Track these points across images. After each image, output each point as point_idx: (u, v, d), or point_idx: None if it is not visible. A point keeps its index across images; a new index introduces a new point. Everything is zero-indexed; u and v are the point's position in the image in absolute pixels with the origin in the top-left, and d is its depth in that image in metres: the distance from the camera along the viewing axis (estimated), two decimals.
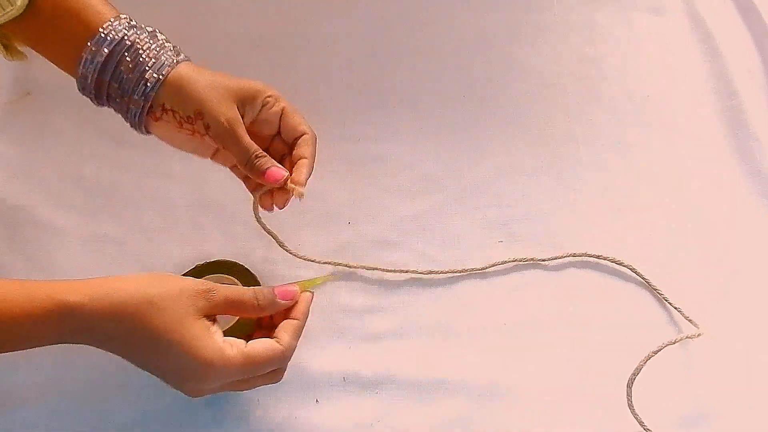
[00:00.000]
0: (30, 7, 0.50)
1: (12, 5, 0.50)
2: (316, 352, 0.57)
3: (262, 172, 0.51)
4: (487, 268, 0.61)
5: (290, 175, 0.52)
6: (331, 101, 0.69)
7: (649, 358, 0.54)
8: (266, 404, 0.55)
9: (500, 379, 0.56)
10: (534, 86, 0.70)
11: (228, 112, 0.50)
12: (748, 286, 0.60)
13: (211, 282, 0.48)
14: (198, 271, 0.58)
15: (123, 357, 0.47)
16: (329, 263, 0.60)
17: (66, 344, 0.56)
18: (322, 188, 0.57)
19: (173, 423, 0.54)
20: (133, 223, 0.62)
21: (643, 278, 0.60)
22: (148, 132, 0.53)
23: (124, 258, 0.61)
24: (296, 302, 0.51)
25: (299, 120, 0.54)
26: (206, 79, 0.50)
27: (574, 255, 0.61)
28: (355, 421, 0.55)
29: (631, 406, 0.54)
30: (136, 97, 0.50)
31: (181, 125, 0.51)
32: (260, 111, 0.53)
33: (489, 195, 0.65)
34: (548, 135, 0.68)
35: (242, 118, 0.51)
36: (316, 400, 0.55)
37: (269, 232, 0.57)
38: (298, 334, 0.50)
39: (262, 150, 0.52)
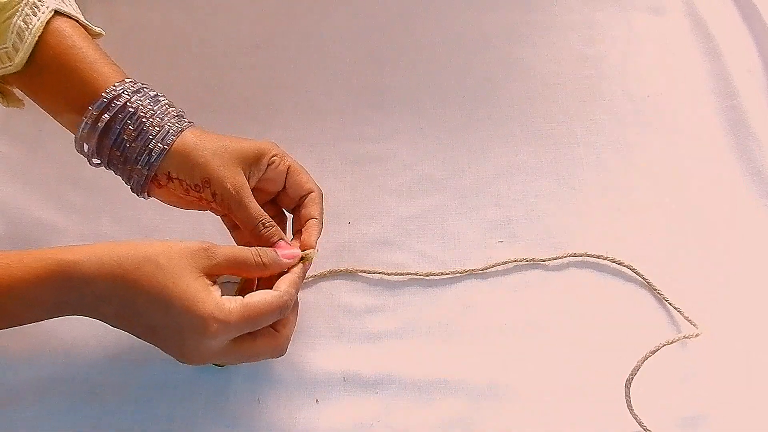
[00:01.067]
0: (30, 64, 0.50)
1: (10, 61, 0.50)
2: (316, 352, 0.57)
3: (271, 244, 0.51)
4: (487, 268, 0.61)
5: (299, 242, 0.53)
6: (331, 101, 0.69)
7: (646, 358, 0.54)
8: (266, 404, 0.55)
9: (500, 379, 0.56)
10: (534, 86, 0.70)
11: (235, 178, 0.50)
12: (748, 286, 0.60)
13: (211, 243, 0.48)
14: None
15: (120, 323, 0.46)
16: (329, 272, 0.60)
17: (65, 348, 0.56)
18: (322, 188, 0.57)
19: (173, 423, 0.54)
20: (133, 223, 0.62)
21: (643, 278, 0.60)
22: (148, 196, 0.53)
23: None
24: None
25: (305, 178, 0.54)
26: (212, 145, 0.50)
27: (574, 255, 0.61)
28: (355, 421, 0.55)
29: (629, 406, 0.54)
30: (139, 166, 0.50)
31: (188, 192, 0.51)
32: (266, 170, 0.53)
33: (489, 195, 0.65)
34: (548, 135, 0.68)
35: (249, 179, 0.52)
36: (316, 400, 0.55)
37: None
38: (297, 284, 0.50)
39: (267, 209, 0.53)
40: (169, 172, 0.50)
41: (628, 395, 0.54)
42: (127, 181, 0.52)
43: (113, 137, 0.50)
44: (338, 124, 0.68)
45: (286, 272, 0.51)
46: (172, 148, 0.50)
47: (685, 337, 0.57)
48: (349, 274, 0.61)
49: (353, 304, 0.60)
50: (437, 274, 0.60)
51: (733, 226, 0.63)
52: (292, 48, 0.72)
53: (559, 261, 0.61)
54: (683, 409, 0.55)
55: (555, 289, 0.61)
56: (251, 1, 0.74)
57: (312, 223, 0.54)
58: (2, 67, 0.50)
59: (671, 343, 0.55)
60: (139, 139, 0.50)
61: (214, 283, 0.47)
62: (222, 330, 0.45)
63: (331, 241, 0.62)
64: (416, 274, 0.60)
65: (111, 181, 0.64)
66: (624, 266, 0.61)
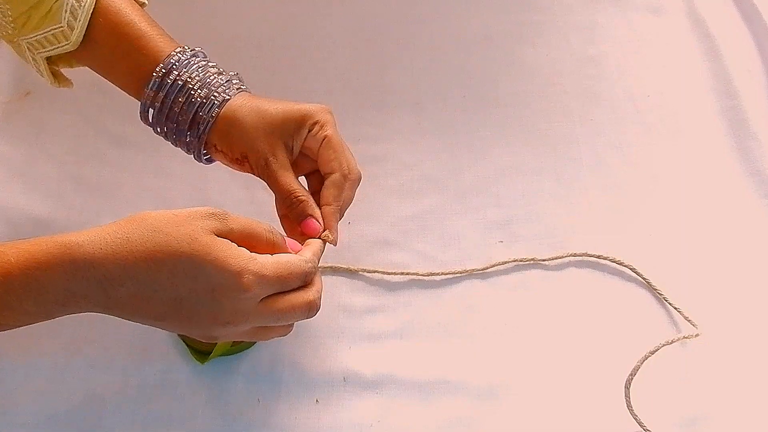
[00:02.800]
0: (85, 41, 0.50)
1: (67, 40, 0.50)
2: (316, 352, 0.57)
3: (298, 220, 0.50)
4: (487, 268, 0.61)
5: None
6: (331, 101, 0.68)
7: (645, 358, 0.54)
8: (266, 404, 0.55)
9: (500, 379, 0.56)
10: (534, 86, 0.70)
11: (269, 151, 0.49)
12: (748, 287, 0.60)
13: (222, 209, 0.44)
14: None
15: (134, 308, 0.42)
16: (330, 267, 0.60)
17: (65, 348, 0.56)
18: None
19: (173, 423, 0.54)
20: None
21: (643, 278, 0.60)
22: (210, 161, 0.54)
23: None
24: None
25: (333, 155, 0.51)
26: (252, 117, 0.50)
27: (575, 255, 0.61)
28: (355, 421, 0.54)
29: (629, 406, 0.54)
30: (191, 138, 0.51)
31: (233, 164, 0.52)
32: (305, 139, 0.51)
33: (489, 195, 0.65)
34: (548, 135, 0.68)
35: (292, 148, 0.51)
36: (316, 400, 0.55)
37: None
38: (317, 254, 0.48)
39: (312, 172, 0.52)
40: (215, 144, 0.51)
41: (627, 395, 0.54)
42: (187, 151, 0.53)
43: (166, 111, 0.50)
44: (338, 124, 0.68)
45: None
46: (216, 121, 0.50)
47: (684, 337, 0.57)
48: (349, 273, 0.61)
49: (353, 304, 0.60)
50: (438, 274, 0.60)
51: (733, 226, 0.63)
52: (292, 48, 0.72)
53: (559, 261, 0.61)
54: (683, 409, 0.55)
55: (555, 289, 0.61)
56: (252, 1, 0.74)
57: (327, 211, 0.51)
58: (59, 47, 0.50)
59: (671, 343, 0.55)
60: (189, 111, 0.50)
61: (228, 237, 0.44)
62: (257, 282, 0.42)
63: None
64: (416, 273, 0.60)
65: (111, 181, 0.64)
66: (624, 266, 0.61)
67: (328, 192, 0.51)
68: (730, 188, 0.65)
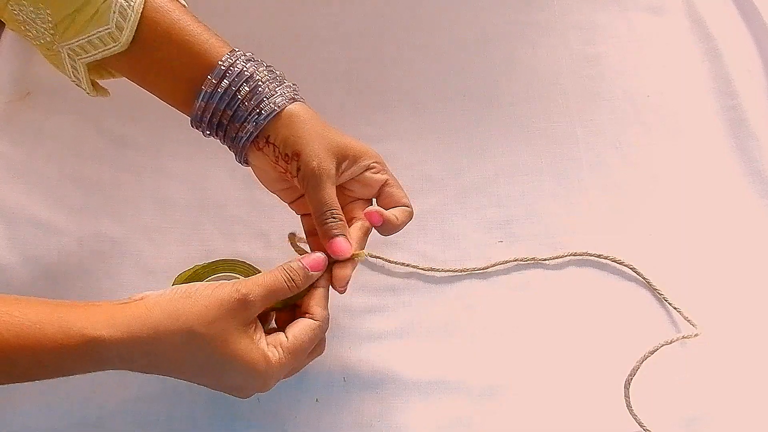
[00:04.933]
0: (135, 42, 0.49)
1: (115, 41, 0.48)
2: None
3: (329, 236, 0.49)
4: (488, 267, 0.61)
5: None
6: (331, 101, 0.69)
7: (645, 358, 0.54)
8: (266, 404, 0.55)
9: (500, 379, 0.56)
10: (534, 86, 0.70)
11: (324, 161, 0.49)
12: (748, 287, 0.60)
13: (243, 285, 0.46)
14: (197, 274, 0.57)
15: (173, 377, 0.47)
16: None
17: None
18: None
19: (173, 423, 0.54)
20: (133, 223, 0.62)
21: (643, 277, 0.60)
22: (246, 163, 0.52)
23: (124, 258, 0.61)
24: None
25: (402, 193, 0.53)
26: (316, 126, 0.50)
27: (575, 254, 0.61)
28: (355, 421, 0.55)
29: (629, 406, 0.54)
30: (247, 124, 0.49)
31: (277, 161, 0.50)
32: (362, 174, 0.52)
33: (489, 195, 0.65)
34: (548, 135, 0.68)
35: (340, 173, 0.50)
36: (316, 400, 0.55)
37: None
38: (326, 301, 0.50)
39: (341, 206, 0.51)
40: (268, 136, 0.49)
41: (627, 395, 0.54)
42: (231, 142, 0.51)
43: (227, 99, 0.49)
44: (338, 125, 0.67)
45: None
46: (281, 113, 0.49)
47: (684, 337, 0.57)
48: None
49: (353, 304, 0.60)
50: (438, 270, 0.60)
51: (733, 226, 0.63)
52: (292, 48, 0.72)
53: (560, 260, 0.61)
54: (683, 409, 0.55)
55: (555, 288, 0.61)
56: (252, 1, 0.74)
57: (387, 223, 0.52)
58: (106, 49, 0.49)
59: (670, 343, 0.55)
60: (253, 99, 0.49)
61: (254, 323, 0.47)
62: (278, 374, 0.47)
63: None
64: (417, 267, 0.60)
65: (111, 181, 0.64)
66: (624, 265, 0.61)
67: (398, 212, 0.52)
68: (730, 188, 0.65)
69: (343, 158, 0.50)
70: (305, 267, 0.48)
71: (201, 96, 0.49)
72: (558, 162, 0.66)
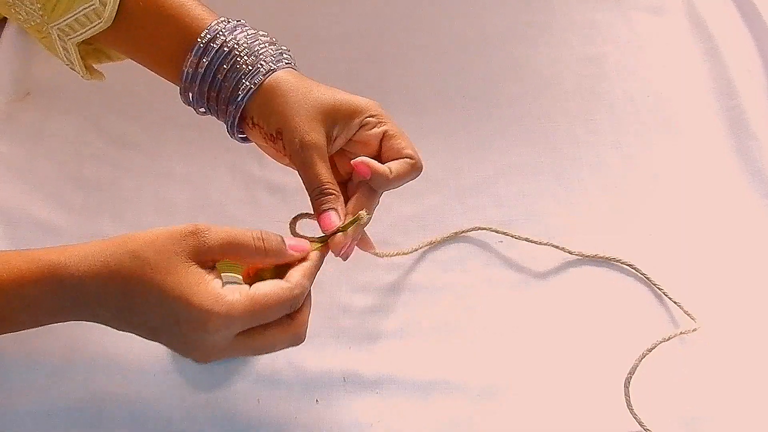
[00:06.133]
0: (119, 18, 0.48)
1: (99, 18, 0.48)
2: (316, 352, 0.57)
3: (319, 212, 0.46)
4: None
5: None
6: None
7: (643, 356, 0.54)
8: (266, 404, 0.55)
9: (500, 378, 0.56)
10: (534, 86, 0.70)
11: (307, 134, 0.45)
12: (748, 287, 0.60)
13: (203, 223, 0.43)
14: None
15: (121, 325, 0.43)
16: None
17: (65, 348, 0.56)
18: None
19: (173, 423, 0.54)
20: (133, 223, 0.62)
21: (645, 276, 0.60)
22: (246, 140, 0.50)
23: None
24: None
25: (404, 143, 0.48)
26: (297, 93, 0.46)
27: (576, 254, 0.61)
28: (355, 421, 0.55)
29: (629, 405, 0.54)
30: (230, 107, 0.48)
31: (266, 141, 0.48)
32: (357, 132, 0.48)
33: (489, 195, 0.65)
34: (548, 135, 0.68)
35: (334, 138, 0.47)
36: (316, 400, 0.55)
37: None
38: (310, 274, 0.45)
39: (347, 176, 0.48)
40: (252, 117, 0.47)
41: (627, 394, 0.54)
42: (225, 123, 0.49)
43: (209, 79, 0.47)
44: None
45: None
46: (259, 90, 0.46)
47: (682, 333, 0.57)
48: (349, 273, 0.60)
49: (353, 304, 0.60)
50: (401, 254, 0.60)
51: (733, 226, 0.63)
52: (293, 48, 0.71)
53: (560, 260, 0.61)
54: (683, 407, 0.55)
55: (555, 288, 0.61)
56: (252, 1, 0.74)
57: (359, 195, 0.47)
58: (92, 27, 0.48)
59: (668, 339, 0.55)
60: (232, 77, 0.47)
61: (213, 269, 0.43)
62: (224, 325, 0.41)
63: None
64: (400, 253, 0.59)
65: (111, 181, 0.64)
66: (624, 264, 0.61)
67: (395, 164, 0.47)
68: (730, 188, 0.65)
69: (334, 122, 0.47)
70: (283, 240, 0.45)
71: (183, 77, 0.48)
72: (558, 162, 0.66)
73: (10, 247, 0.60)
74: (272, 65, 0.47)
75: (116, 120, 0.67)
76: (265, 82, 0.47)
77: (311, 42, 0.72)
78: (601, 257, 0.61)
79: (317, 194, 0.46)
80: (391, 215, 0.63)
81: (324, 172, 0.46)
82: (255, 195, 0.64)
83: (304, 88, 0.47)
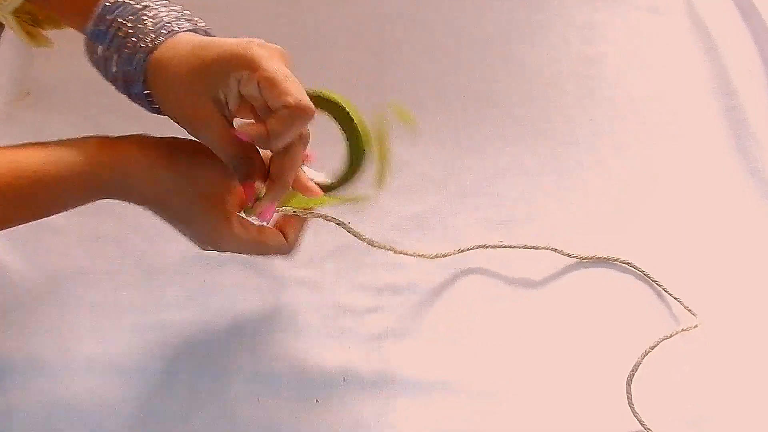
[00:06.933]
0: None
1: None
2: (316, 352, 0.57)
3: (240, 181, 0.45)
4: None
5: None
6: None
7: (646, 354, 0.54)
8: (266, 404, 0.55)
9: (500, 378, 0.56)
10: (534, 86, 0.70)
11: (192, 112, 0.43)
12: (749, 287, 0.60)
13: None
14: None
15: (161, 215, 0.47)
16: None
17: (65, 348, 0.56)
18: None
19: (173, 424, 0.54)
20: (133, 223, 0.62)
21: (643, 273, 0.60)
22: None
23: (124, 258, 0.61)
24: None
25: (278, 90, 0.41)
26: (173, 70, 0.42)
27: (579, 257, 0.61)
28: (355, 421, 0.54)
29: (630, 403, 0.54)
30: (135, 92, 0.46)
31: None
32: (238, 92, 0.43)
33: (489, 195, 0.65)
34: (548, 135, 0.68)
35: (225, 101, 0.43)
36: (316, 400, 0.55)
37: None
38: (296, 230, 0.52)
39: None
40: (152, 101, 0.46)
41: (629, 392, 0.54)
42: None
43: (112, 69, 0.45)
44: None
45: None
46: (148, 70, 0.43)
47: (683, 330, 0.57)
48: (348, 273, 0.60)
49: (353, 304, 0.60)
50: (444, 255, 0.60)
51: (733, 226, 0.63)
52: (292, 48, 0.71)
53: (561, 262, 0.61)
54: (684, 406, 0.55)
55: (556, 288, 0.61)
56: (252, 1, 0.74)
57: (269, 190, 0.46)
58: (7, 3, 0.48)
59: (670, 336, 0.56)
60: (125, 63, 0.44)
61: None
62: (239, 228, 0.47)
63: (331, 241, 0.62)
64: (424, 255, 0.59)
65: None
66: (623, 263, 0.61)
67: (277, 163, 0.45)
68: (730, 188, 0.65)
69: (215, 85, 0.42)
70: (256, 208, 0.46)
71: (92, 52, 0.45)
72: (558, 162, 0.66)
73: (10, 247, 0.60)
74: (150, 44, 0.43)
75: (116, 120, 0.67)
76: (150, 64, 0.43)
77: (311, 42, 0.72)
78: (599, 258, 0.61)
79: (234, 168, 0.45)
80: (391, 215, 0.63)
81: (228, 143, 0.43)
82: None
83: (186, 55, 0.42)
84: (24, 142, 0.65)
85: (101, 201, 0.63)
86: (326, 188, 0.52)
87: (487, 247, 0.61)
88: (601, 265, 0.61)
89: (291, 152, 0.45)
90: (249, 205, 0.46)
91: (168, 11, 0.45)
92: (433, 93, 0.70)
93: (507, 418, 0.55)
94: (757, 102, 0.69)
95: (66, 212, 0.62)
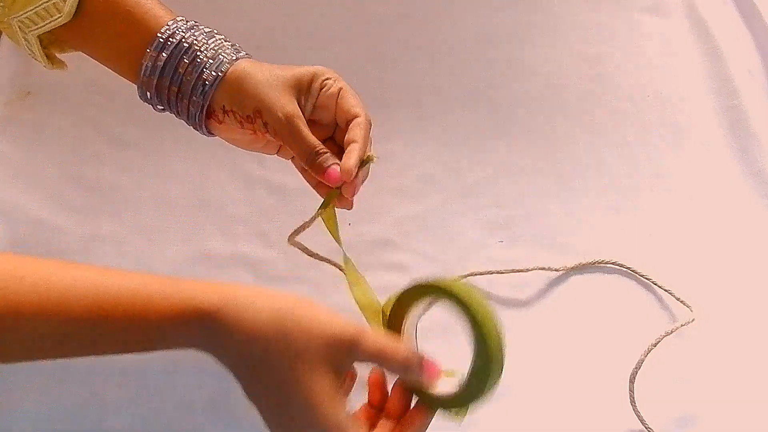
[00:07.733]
0: (79, 14, 0.49)
1: (59, 12, 0.48)
2: None
3: (323, 170, 0.49)
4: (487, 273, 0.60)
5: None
6: None
7: (649, 351, 0.54)
8: None
9: (502, 379, 0.56)
10: (534, 86, 0.70)
11: (286, 107, 0.48)
12: (749, 287, 0.60)
13: (361, 328, 0.41)
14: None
15: (244, 385, 0.42)
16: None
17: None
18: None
19: (173, 424, 0.54)
20: (133, 223, 0.62)
21: (644, 277, 0.60)
22: (211, 134, 0.52)
23: (124, 258, 0.61)
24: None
25: (353, 102, 0.51)
26: (263, 74, 0.49)
27: (566, 268, 0.61)
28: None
29: (633, 401, 0.54)
30: (195, 98, 0.49)
31: (243, 125, 0.49)
32: (318, 95, 0.50)
33: (489, 195, 0.65)
34: (548, 135, 0.68)
35: (303, 109, 0.50)
36: None
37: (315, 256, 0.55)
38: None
39: (323, 141, 0.50)
40: (223, 105, 0.49)
41: (632, 390, 0.54)
42: (186, 118, 0.51)
43: (170, 72, 0.49)
44: None
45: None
46: (225, 78, 0.48)
47: (682, 325, 0.57)
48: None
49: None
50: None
51: (733, 226, 0.63)
52: (292, 48, 0.72)
53: (550, 274, 0.61)
54: (684, 405, 0.55)
55: (556, 288, 0.61)
56: (251, 1, 0.74)
57: (352, 147, 0.49)
58: (52, 21, 0.49)
59: (672, 332, 0.56)
60: (194, 71, 0.48)
61: (344, 382, 0.43)
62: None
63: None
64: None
65: (111, 181, 0.64)
66: (623, 266, 0.61)
67: (353, 132, 0.50)
68: (730, 188, 0.65)
69: (299, 92, 0.49)
70: (422, 361, 0.45)
71: (143, 71, 0.49)
72: (558, 162, 0.66)
73: (10, 248, 0.60)
74: (233, 55, 0.49)
75: (116, 120, 0.67)
76: (229, 71, 0.49)
77: (311, 42, 0.72)
78: (586, 264, 0.61)
79: (314, 156, 0.49)
80: (391, 215, 0.63)
81: (312, 137, 0.49)
82: (254, 194, 0.64)
83: (267, 70, 0.49)
84: (24, 141, 0.66)
85: (101, 200, 0.63)
86: (444, 402, 0.47)
87: (475, 274, 0.60)
88: (592, 271, 0.61)
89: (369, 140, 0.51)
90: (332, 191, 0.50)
91: (225, 39, 0.51)
92: (433, 93, 0.70)
93: (507, 417, 0.55)
94: (757, 102, 0.69)
95: (66, 212, 0.63)
